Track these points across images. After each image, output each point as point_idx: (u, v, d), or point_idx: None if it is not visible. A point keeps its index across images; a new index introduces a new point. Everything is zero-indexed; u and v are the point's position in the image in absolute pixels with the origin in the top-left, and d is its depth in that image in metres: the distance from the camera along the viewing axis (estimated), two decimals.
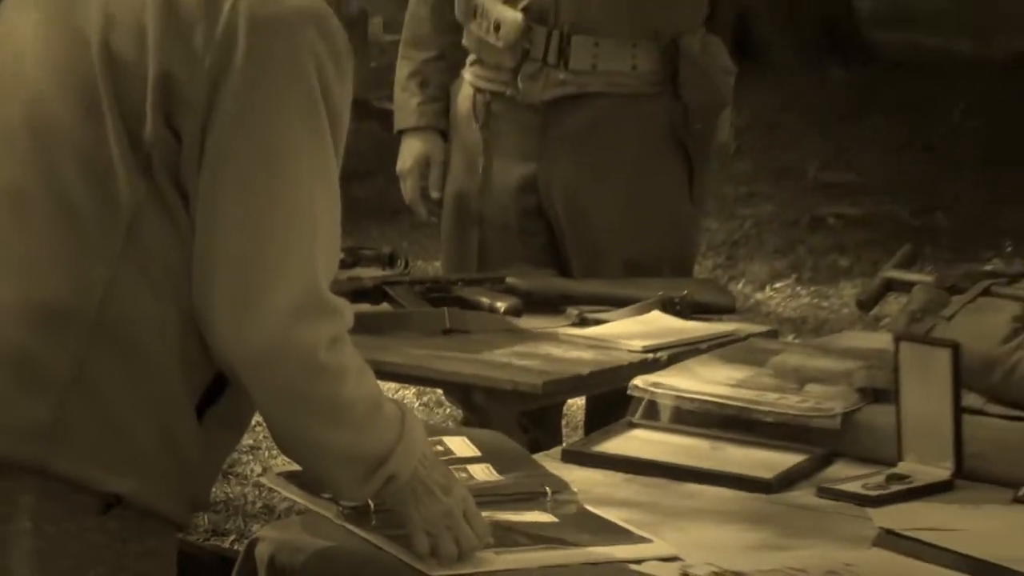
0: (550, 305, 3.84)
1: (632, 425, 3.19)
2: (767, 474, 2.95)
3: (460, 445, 2.91)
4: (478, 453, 2.89)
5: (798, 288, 7.25)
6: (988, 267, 3.42)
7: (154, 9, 2.50)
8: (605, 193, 4.16)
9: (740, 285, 7.18)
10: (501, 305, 3.77)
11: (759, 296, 7.15)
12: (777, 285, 7.28)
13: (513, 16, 4.11)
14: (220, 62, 2.48)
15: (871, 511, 2.83)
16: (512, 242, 4.21)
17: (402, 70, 4.34)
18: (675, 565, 2.62)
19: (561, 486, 2.82)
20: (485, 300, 3.78)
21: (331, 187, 2.55)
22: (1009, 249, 7.55)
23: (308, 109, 2.50)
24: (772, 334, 3.83)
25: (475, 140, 4.24)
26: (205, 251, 2.50)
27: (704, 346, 3.56)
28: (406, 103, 4.32)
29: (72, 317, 2.51)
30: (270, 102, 2.49)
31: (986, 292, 3.16)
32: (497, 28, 4.12)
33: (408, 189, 4.36)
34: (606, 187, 4.16)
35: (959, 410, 2.95)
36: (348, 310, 2.56)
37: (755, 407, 3.12)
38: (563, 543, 2.67)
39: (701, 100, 4.16)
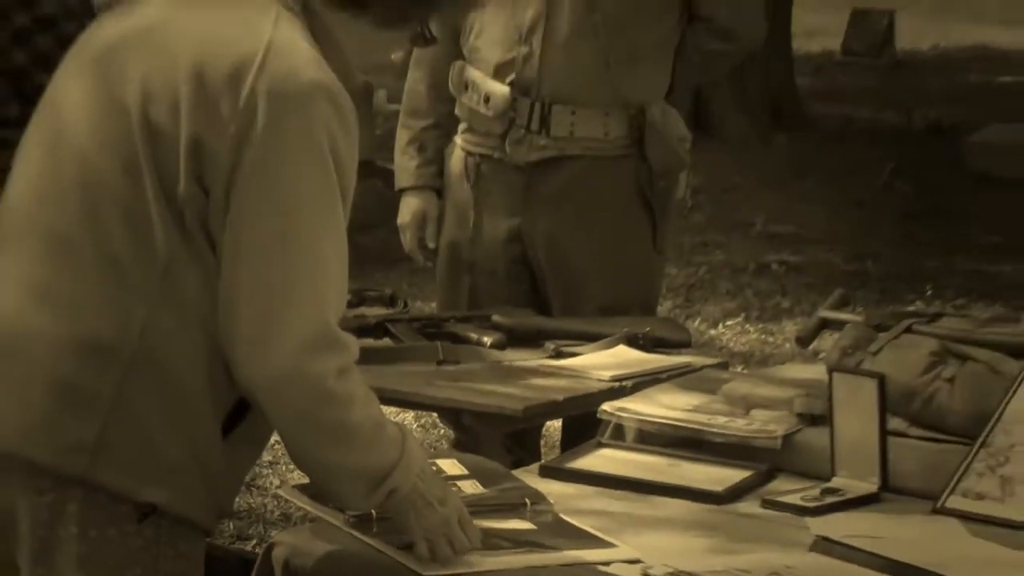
0: (530, 340, 3.83)
1: (601, 445, 3.18)
2: (718, 487, 2.95)
3: (450, 465, 2.90)
4: (466, 471, 2.88)
5: (746, 326, 7.24)
6: (911, 308, 3.42)
7: (186, 83, 2.50)
8: (582, 243, 4.16)
9: (696, 323, 7.17)
10: (487, 340, 3.76)
11: (712, 333, 7.14)
12: (728, 323, 7.27)
13: (501, 89, 4.12)
14: (243, 130, 2.47)
15: (808, 520, 2.82)
16: (499, 286, 4.20)
17: (402, 137, 4.35)
18: (637, 567, 2.62)
19: (539, 497, 2.81)
20: (473, 335, 3.78)
21: (339, 237, 2.54)
22: (929, 293, 7.55)
23: (320, 170, 2.50)
24: (723, 366, 3.82)
25: (466, 197, 4.24)
26: (229, 292, 2.49)
27: (664, 376, 3.54)
28: (405, 165, 4.32)
29: (114, 349, 2.50)
30: (286, 164, 2.48)
31: (908, 330, 3.16)
32: (487, 100, 4.13)
33: (407, 240, 4.36)
34: (583, 238, 4.16)
35: (885, 432, 2.95)
36: (354, 344, 2.56)
37: (707, 429, 3.11)
38: (541, 547, 2.67)
39: (664, 162, 4.17)
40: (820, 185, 9.84)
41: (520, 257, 4.21)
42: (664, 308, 7.07)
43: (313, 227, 2.51)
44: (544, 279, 4.20)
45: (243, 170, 2.47)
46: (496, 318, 3.86)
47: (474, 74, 4.15)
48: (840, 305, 3.47)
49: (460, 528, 2.61)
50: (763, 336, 7.09)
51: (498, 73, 4.13)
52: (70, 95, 2.61)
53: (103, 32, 2.64)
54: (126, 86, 2.53)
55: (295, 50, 2.52)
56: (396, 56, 4.26)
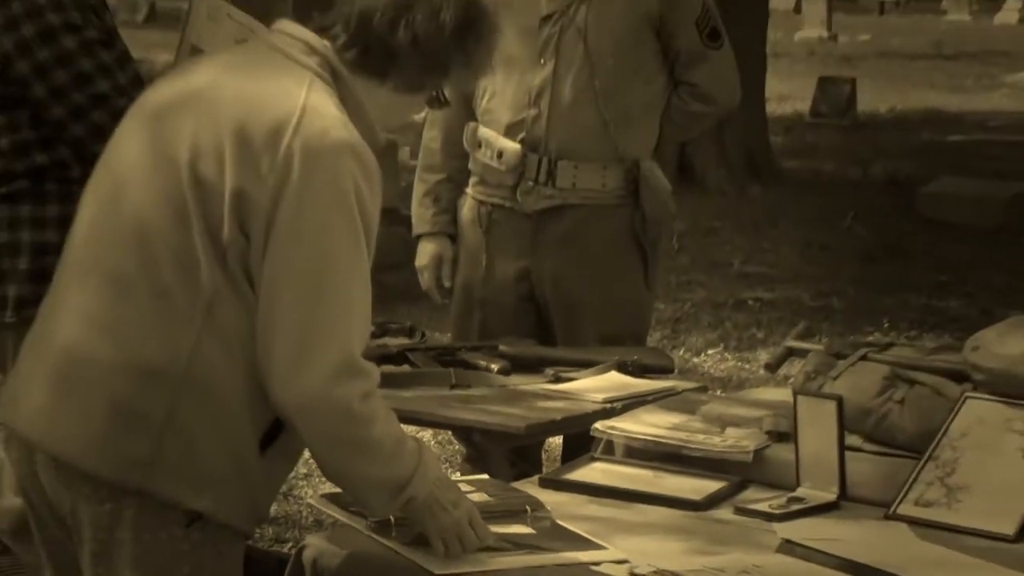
0: (532, 367, 3.81)
1: (594, 459, 3.17)
2: (696, 496, 2.94)
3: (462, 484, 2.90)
4: (474, 488, 2.87)
5: (725, 354, 7.21)
6: (869, 339, 3.41)
7: (231, 141, 2.51)
8: (583, 281, 4.15)
9: (681, 352, 7.14)
10: (495, 367, 3.75)
11: (696, 360, 7.12)
12: (709, 352, 7.24)
13: (513, 146, 4.13)
14: (280, 182, 2.48)
15: (775, 525, 2.82)
16: (507, 319, 4.19)
17: (418, 189, 4.36)
18: (625, 566, 2.61)
19: (538, 505, 2.81)
20: (482, 363, 3.77)
21: (364, 276, 2.54)
22: (886, 325, 7.53)
23: (347, 218, 2.50)
24: (702, 389, 3.80)
25: (478, 241, 4.24)
26: (266, 325, 2.50)
27: (650, 399, 3.52)
28: (422, 215, 4.32)
29: (165, 375, 2.51)
30: (318, 213, 2.49)
31: (863, 358, 3.16)
32: (500, 155, 4.14)
33: (425, 280, 4.36)
34: (584, 276, 4.15)
35: (843, 448, 2.95)
36: (376, 371, 2.56)
37: (687, 445, 3.11)
38: (540, 549, 2.66)
39: (655, 210, 4.17)
40: (790, 230, 9.82)
41: (528, 294, 4.20)
42: (653, 339, 7.04)
43: (341, 268, 2.51)
44: (549, 313, 4.20)
45: (280, 217, 2.48)
46: (502, 347, 3.85)
47: (487, 133, 4.16)
48: (804, 336, 3.47)
49: (471, 527, 2.61)
50: (740, 364, 7.07)
51: (509, 132, 4.13)
52: (127, 151, 2.62)
53: (157, 95, 2.66)
54: (177, 143, 2.54)
55: (326, 113, 2.53)
56: (419, 116, 4.26)
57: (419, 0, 2.56)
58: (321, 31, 2.60)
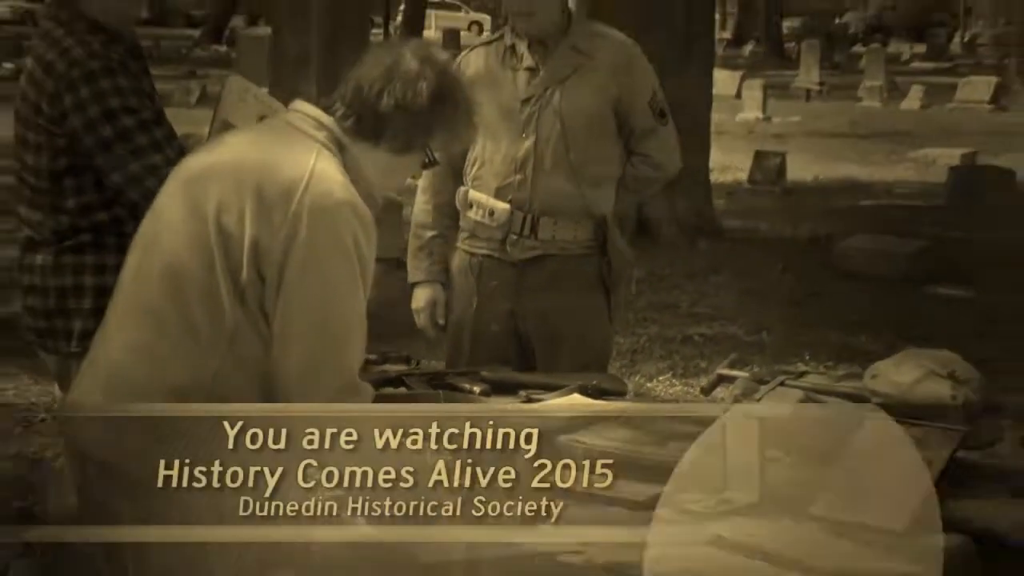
0: (509, 390, 3.80)
1: None
2: (642, 497, 2.91)
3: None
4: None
5: (673, 380, 7.19)
6: (788, 368, 3.42)
7: (250, 200, 2.51)
8: (559, 318, 4.13)
9: (636, 378, 7.12)
10: (477, 389, 3.73)
11: (649, 385, 7.10)
12: (660, 379, 7.23)
13: (503, 206, 4.13)
14: (291, 233, 2.49)
15: (707, 522, 2.80)
16: (494, 351, 4.18)
17: (413, 243, 4.35)
18: (581, 556, 2.61)
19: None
20: (467, 386, 3.75)
21: (360, 311, 2.55)
22: (808, 357, 7.52)
23: (346, 264, 2.51)
24: None
25: (470, 287, 4.23)
26: (280, 354, 2.50)
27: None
28: (417, 265, 4.32)
29: (192, 395, 2.50)
30: (322, 260, 2.50)
31: (782, 383, 3.15)
32: (491, 214, 4.14)
33: (422, 320, 4.34)
34: (560, 315, 4.13)
35: (764, 458, 2.93)
36: (371, 389, 2.58)
37: (636, 454, 3.08)
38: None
39: (619, 259, 4.17)
40: (730, 278, 9.82)
41: (513, 329, 4.19)
42: (613, 367, 7.00)
43: (341, 306, 2.51)
44: (531, 344, 4.19)
45: (291, 263, 2.49)
46: (484, 373, 3.84)
47: (478, 196, 4.16)
48: (734, 365, 3.46)
49: None
50: (686, 388, 7.05)
51: (498, 194, 4.13)
52: (166, 207, 2.62)
53: (193, 162, 2.67)
54: (206, 201, 2.55)
55: (330, 177, 2.54)
56: (419, 181, 4.27)
57: (400, 73, 2.58)
58: (327, 109, 2.61)
